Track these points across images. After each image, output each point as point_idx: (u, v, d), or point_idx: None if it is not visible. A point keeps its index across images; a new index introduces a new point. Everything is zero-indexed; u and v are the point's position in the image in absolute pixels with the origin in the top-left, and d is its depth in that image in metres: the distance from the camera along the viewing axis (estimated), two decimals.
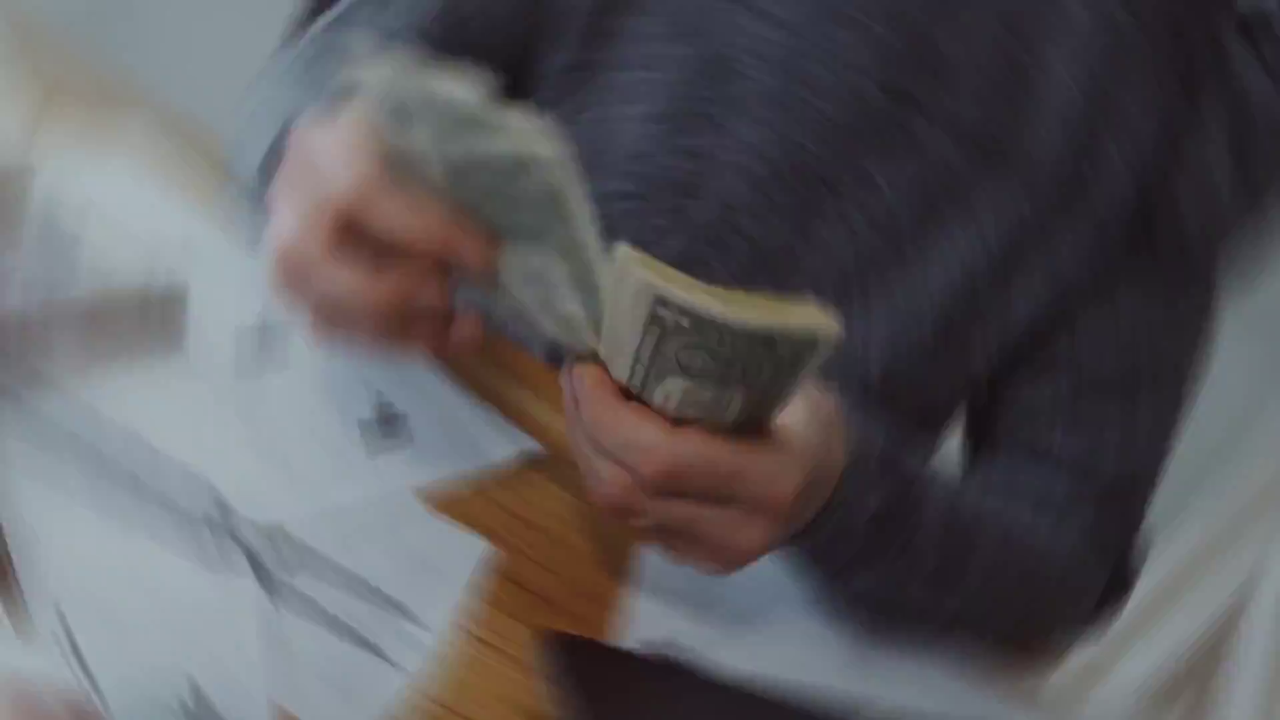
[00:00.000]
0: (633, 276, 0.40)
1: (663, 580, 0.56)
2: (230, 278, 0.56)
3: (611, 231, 0.76)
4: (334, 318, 0.46)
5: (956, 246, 0.72)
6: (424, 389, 0.57)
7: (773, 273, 0.74)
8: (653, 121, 0.73)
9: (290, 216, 0.45)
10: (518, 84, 0.78)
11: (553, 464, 0.57)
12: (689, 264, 0.73)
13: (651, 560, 0.56)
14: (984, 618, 0.65)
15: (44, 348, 0.48)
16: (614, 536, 0.56)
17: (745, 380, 0.43)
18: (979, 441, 0.78)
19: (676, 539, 0.49)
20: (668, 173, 0.73)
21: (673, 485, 0.45)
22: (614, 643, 0.51)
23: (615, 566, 0.55)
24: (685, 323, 0.40)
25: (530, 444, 0.57)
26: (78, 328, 0.49)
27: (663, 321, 0.41)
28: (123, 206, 0.57)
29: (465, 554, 0.51)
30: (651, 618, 0.53)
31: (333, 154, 0.45)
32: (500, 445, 0.57)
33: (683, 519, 0.47)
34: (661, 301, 0.40)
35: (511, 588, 0.51)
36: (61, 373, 0.48)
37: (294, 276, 0.45)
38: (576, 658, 0.46)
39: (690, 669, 0.51)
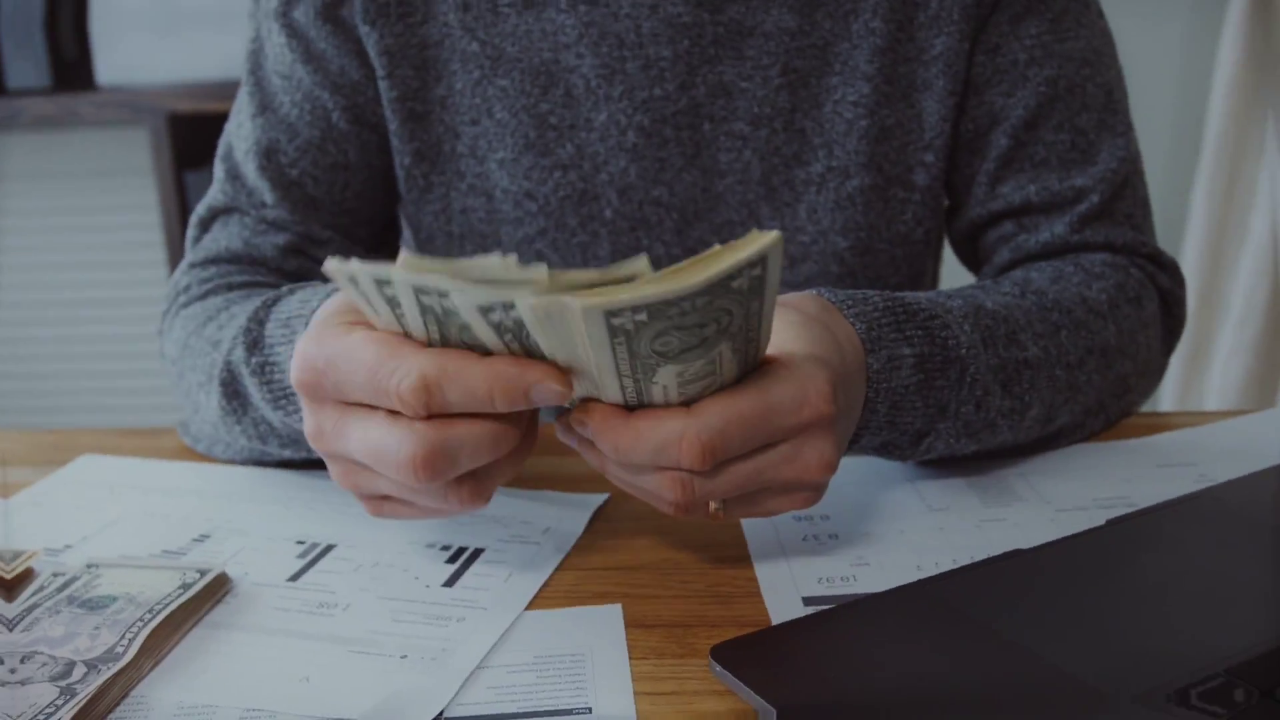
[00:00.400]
0: (570, 311, 0.40)
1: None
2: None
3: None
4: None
5: (842, 95, 0.74)
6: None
7: (699, 218, 0.75)
8: (518, 158, 0.75)
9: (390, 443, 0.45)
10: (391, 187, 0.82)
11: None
12: (623, 256, 0.76)
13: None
14: (1087, 399, 0.65)
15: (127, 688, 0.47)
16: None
17: (723, 332, 0.43)
18: (978, 256, 0.80)
19: (756, 499, 0.50)
20: (558, 193, 0.75)
21: (720, 456, 0.45)
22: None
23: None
24: (643, 317, 0.40)
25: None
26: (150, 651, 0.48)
27: (623, 329, 0.41)
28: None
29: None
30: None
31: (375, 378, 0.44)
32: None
33: (748, 478, 0.47)
34: (611, 313, 0.40)
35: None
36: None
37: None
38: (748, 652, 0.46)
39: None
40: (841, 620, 0.48)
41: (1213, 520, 0.55)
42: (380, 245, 0.83)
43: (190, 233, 0.81)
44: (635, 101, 0.73)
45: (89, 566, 0.55)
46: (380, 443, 0.45)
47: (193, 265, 0.77)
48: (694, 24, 0.72)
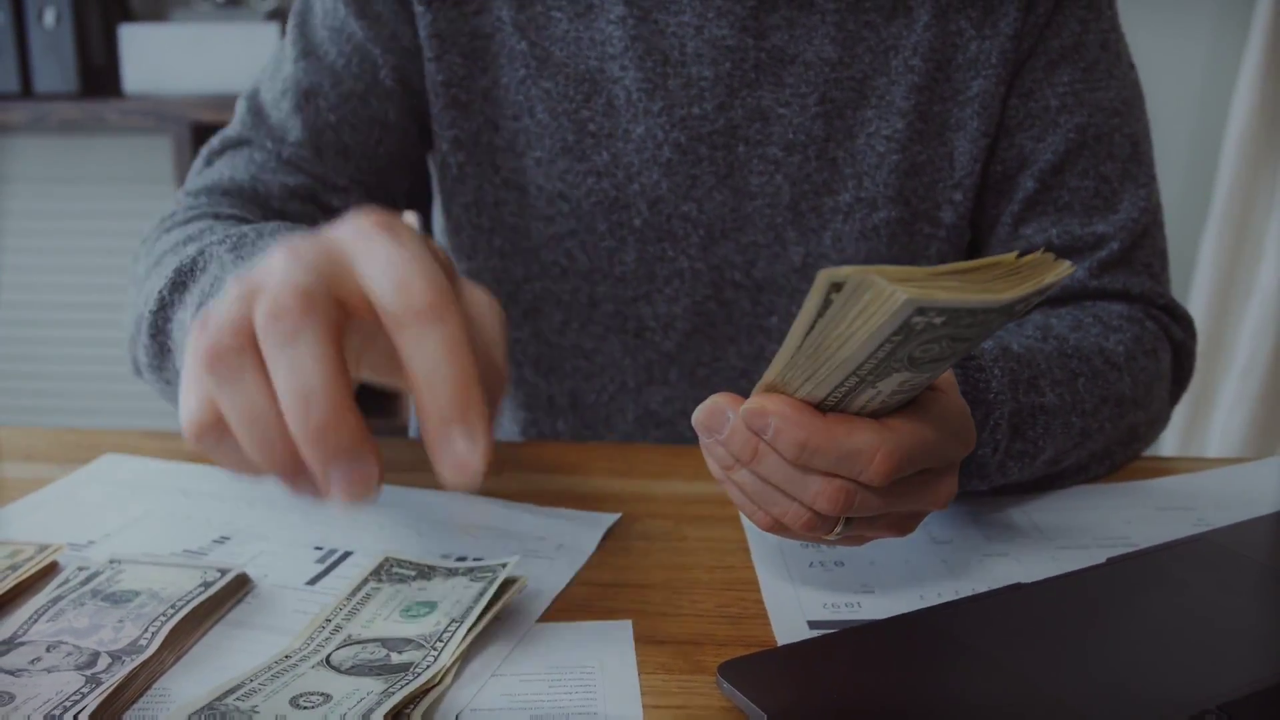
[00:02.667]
0: (879, 292, 0.37)
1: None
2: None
3: (569, 267, 0.81)
4: None
5: (876, 128, 0.76)
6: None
7: (726, 236, 0.77)
8: (555, 159, 0.76)
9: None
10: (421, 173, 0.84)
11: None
12: (648, 266, 0.78)
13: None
14: (1095, 445, 0.67)
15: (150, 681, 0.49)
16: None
17: (962, 350, 0.42)
18: None
19: (876, 523, 0.50)
20: (590, 198, 0.77)
21: (899, 475, 0.45)
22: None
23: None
24: (939, 320, 0.38)
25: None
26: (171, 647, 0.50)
27: (913, 326, 0.38)
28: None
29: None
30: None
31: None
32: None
33: (895, 500, 0.47)
34: (921, 310, 0.38)
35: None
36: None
37: None
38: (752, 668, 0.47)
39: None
40: (846, 644, 0.49)
41: (1210, 563, 0.57)
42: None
43: (195, 164, 0.81)
44: (674, 118, 0.75)
45: (112, 562, 0.56)
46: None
47: (187, 194, 0.77)
48: (737, 47, 0.74)
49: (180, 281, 0.57)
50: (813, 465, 0.45)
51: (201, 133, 1.83)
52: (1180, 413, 1.92)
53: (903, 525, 0.50)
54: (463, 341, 0.37)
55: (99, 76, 1.91)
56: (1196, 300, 1.86)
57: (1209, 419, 1.92)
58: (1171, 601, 0.53)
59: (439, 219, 0.86)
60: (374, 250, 0.39)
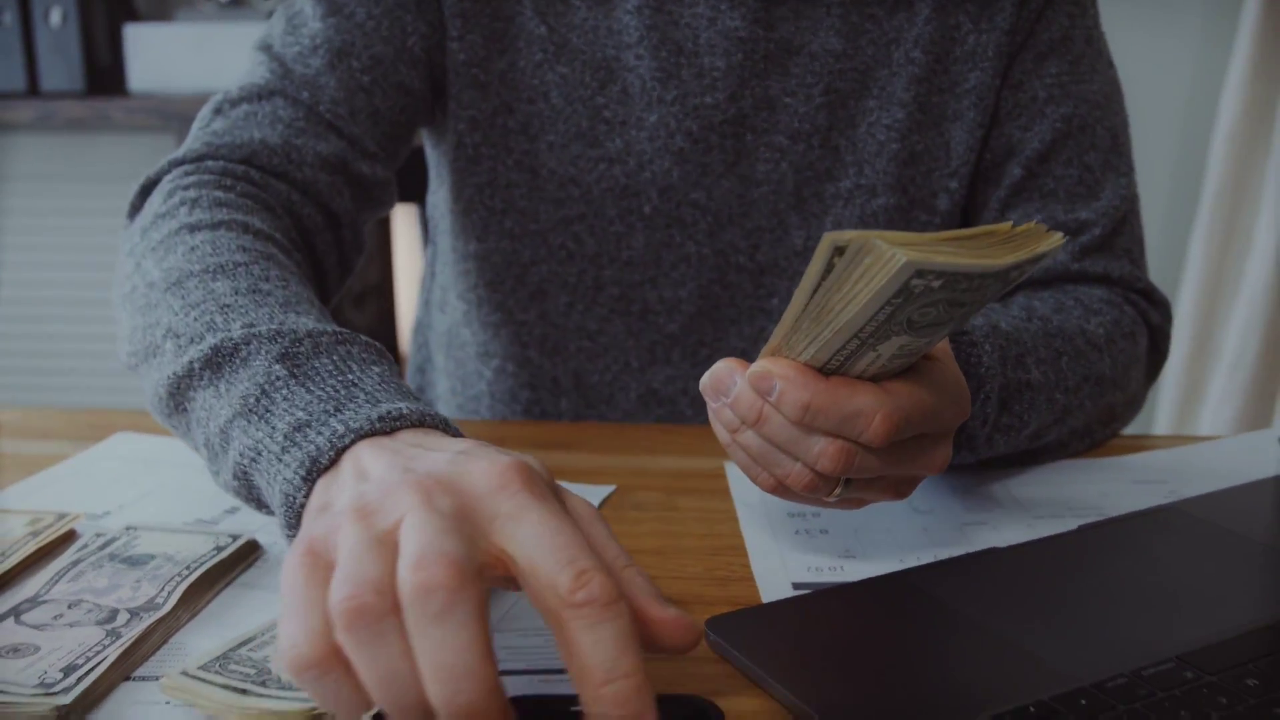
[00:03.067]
0: (879, 255, 0.39)
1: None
2: None
3: (577, 250, 0.83)
4: None
5: (877, 117, 0.79)
6: None
7: (732, 222, 0.80)
8: (568, 144, 0.78)
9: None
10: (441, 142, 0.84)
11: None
12: (655, 251, 0.80)
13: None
14: (1076, 422, 0.69)
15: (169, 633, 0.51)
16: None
17: (963, 317, 0.44)
18: None
19: (874, 485, 0.52)
20: (601, 184, 0.79)
21: (896, 438, 0.48)
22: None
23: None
24: (937, 283, 0.40)
25: None
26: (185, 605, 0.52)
27: (913, 289, 0.40)
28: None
29: None
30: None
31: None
32: None
33: (892, 463, 0.50)
34: (920, 273, 0.39)
35: None
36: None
37: None
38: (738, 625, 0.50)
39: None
40: (828, 601, 0.52)
41: (1178, 529, 0.59)
42: (382, 199, 0.81)
43: (203, 116, 0.75)
44: (686, 107, 0.77)
45: (128, 529, 0.59)
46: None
47: (199, 160, 0.71)
48: (749, 39, 0.76)
49: (216, 361, 0.52)
50: (815, 426, 0.48)
51: None
52: (1171, 406, 1.95)
53: (899, 489, 0.53)
54: (634, 636, 0.37)
55: (104, 75, 1.94)
56: (1186, 296, 1.89)
57: (1199, 412, 1.95)
58: (1139, 564, 0.56)
59: (443, 200, 0.87)
60: (523, 516, 0.38)
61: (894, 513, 0.63)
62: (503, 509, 0.39)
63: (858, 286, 0.41)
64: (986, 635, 0.48)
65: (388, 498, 0.39)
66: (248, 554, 0.58)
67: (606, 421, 0.86)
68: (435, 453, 0.43)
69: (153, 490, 0.66)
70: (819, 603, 0.52)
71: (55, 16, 1.87)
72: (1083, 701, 0.43)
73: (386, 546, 0.37)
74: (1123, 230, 0.79)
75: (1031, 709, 0.43)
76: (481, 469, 0.40)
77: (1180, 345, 1.87)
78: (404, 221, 2.21)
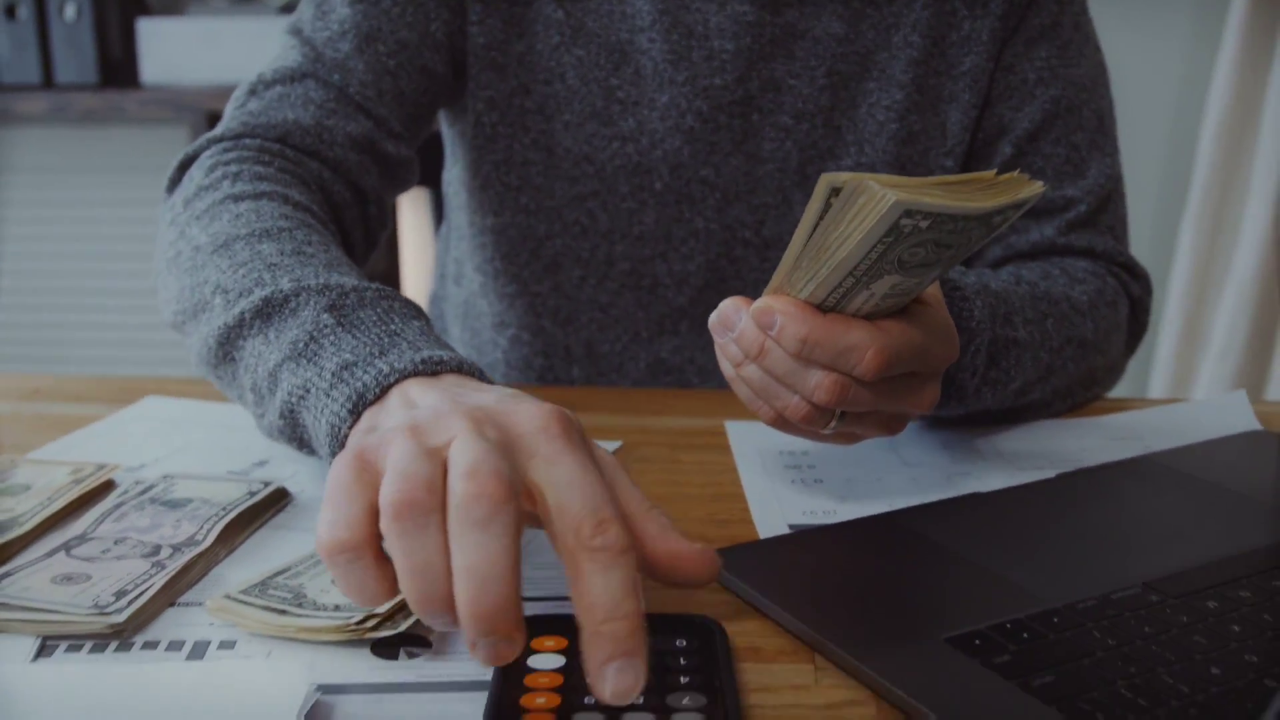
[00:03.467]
0: (872, 195, 0.42)
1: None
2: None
3: (590, 226, 0.87)
4: None
5: (877, 99, 0.83)
6: None
7: (739, 198, 0.84)
8: (583, 123, 0.82)
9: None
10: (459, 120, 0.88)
11: None
12: (666, 227, 0.84)
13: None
14: (1059, 382, 0.73)
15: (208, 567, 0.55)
16: None
17: (950, 259, 0.47)
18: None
19: (866, 420, 0.56)
20: (615, 161, 0.83)
21: (887, 373, 0.51)
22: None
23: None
24: (925, 223, 0.43)
25: None
26: (222, 542, 0.56)
27: (903, 229, 0.43)
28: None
29: None
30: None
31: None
32: None
33: (883, 398, 0.53)
34: (909, 212, 0.42)
35: None
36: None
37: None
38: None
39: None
40: (821, 537, 0.56)
41: (1151, 478, 0.63)
42: (406, 177, 0.85)
43: (237, 96, 0.79)
44: (697, 88, 0.81)
45: (165, 477, 0.62)
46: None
47: (237, 138, 0.75)
48: (756, 23, 0.80)
49: (267, 312, 0.56)
50: (813, 359, 0.51)
51: (217, 122, 1.89)
52: (1162, 392, 1.99)
53: (890, 425, 0.57)
54: (638, 583, 0.39)
55: (117, 68, 1.97)
56: (1176, 285, 1.92)
57: (1189, 399, 1.99)
58: (1112, 507, 0.60)
59: (458, 178, 0.91)
60: (561, 460, 0.42)
61: (884, 464, 0.67)
62: (542, 450, 0.42)
63: (852, 225, 0.45)
64: (968, 566, 0.52)
65: (439, 420, 0.43)
66: (278, 499, 0.62)
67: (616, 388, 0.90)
68: (480, 394, 0.47)
69: (183, 447, 0.70)
70: (813, 538, 0.56)
71: (70, 11, 1.91)
72: (1055, 619, 0.47)
73: (436, 458, 0.41)
74: (1107, 208, 0.83)
75: (1008, 625, 0.47)
76: (527, 410, 0.44)
77: (1170, 333, 1.91)
78: (410, 208, 2.25)
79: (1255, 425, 0.73)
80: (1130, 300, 0.82)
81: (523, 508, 0.40)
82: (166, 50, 1.92)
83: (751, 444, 0.69)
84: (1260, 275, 1.80)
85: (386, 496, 0.39)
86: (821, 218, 0.46)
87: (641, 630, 0.39)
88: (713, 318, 0.55)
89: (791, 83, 0.82)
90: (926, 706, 0.41)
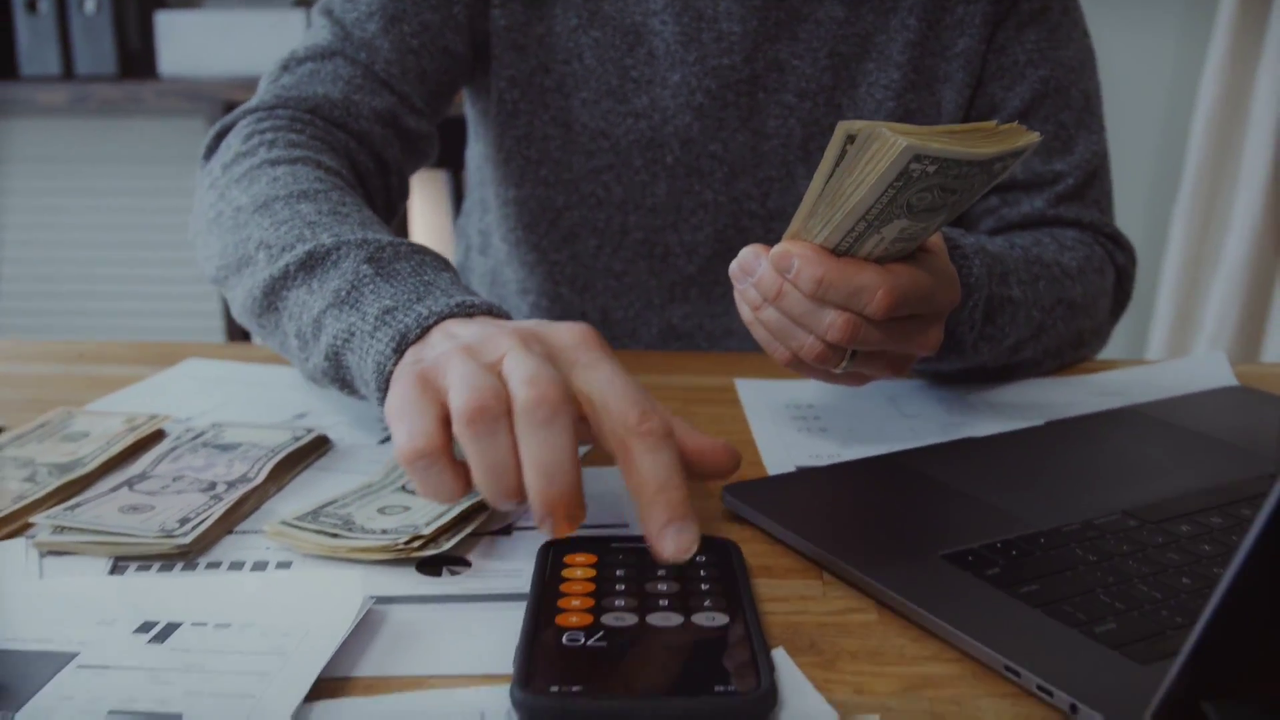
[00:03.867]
0: (884, 141, 0.46)
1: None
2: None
3: (605, 198, 0.92)
4: None
5: (875, 79, 0.87)
6: None
7: (745, 172, 0.88)
8: (599, 100, 0.87)
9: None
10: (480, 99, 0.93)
11: None
12: (677, 199, 0.89)
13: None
14: (1049, 342, 0.77)
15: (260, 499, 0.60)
16: None
17: (955, 205, 0.51)
18: (964, 225, 0.93)
19: (874, 360, 0.60)
20: (629, 136, 0.87)
21: (895, 313, 0.55)
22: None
23: None
24: (932, 169, 0.46)
25: None
26: (273, 479, 0.61)
27: (911, 173, 0.46)
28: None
29: None
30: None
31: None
32: None
33: (890, 338, 0.57)
34: (917, 158, 0.46)
35: None
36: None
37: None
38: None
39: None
40: (826, 474, 0.60)
41: (1133, 425, 0.68)
42: (426, 150, 0.89)
43: (270, 72, 0.83)
44: (706, 68, 0.86)
45: (215, 425, 0.67)
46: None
47: (271, 109, 0.79)
48: (762, 6, 0.85)
49: (310, 264, 0.61)
50: (827, 299, 0.55)
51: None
52: None
53: (897, 366, 0.61)
54: (679, 461, 0.46)
55: (136, 60, 2.02)
56: (1168, 272, 1.97)
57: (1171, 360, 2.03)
58: (1097, 449, 0.64)
59: (480, 154, 0.96)
60: (600, 366, 0.48)
61: (885, 416, 0.71)
62: (581, 359, 0.49)
63: (865, 170, 0.49)
64: (963, 497, 0.57)
65: (488, 340, 0.49)
66: (320, 445, 0.66)
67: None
68: (517, 324, 0.52)
69: (225, 403, 0.75)
70: (819, 475, 0.60)
71: (89, 4, 1.96)
72: (1041, 540, 0.52)
73: (493, 371, 0.47)
74: (1093, 182, 0.88)
75: (999, 544, 0.51)
76: (564, 328, 0.50)
77: (1163, 319, 1.96)
78: (420, 194, 2.29)
79: (1233, 382, 0.78)
80: (1116, 268, 0.87)
81: (574, 409, 0.46)
82: (184, 42, 1.97)
83: (760, 398, 0.74)
84: (1251, 262, 1.84)
85: (459, 406, 0.45)
86: (838, 164, 0.50)
87: (689, 501, 0.45)
88: (733, 265, 0.59)
89: (795, 63, 0.86)
90: (924, 609, 0.45)
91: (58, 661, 0.42)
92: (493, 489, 0.45)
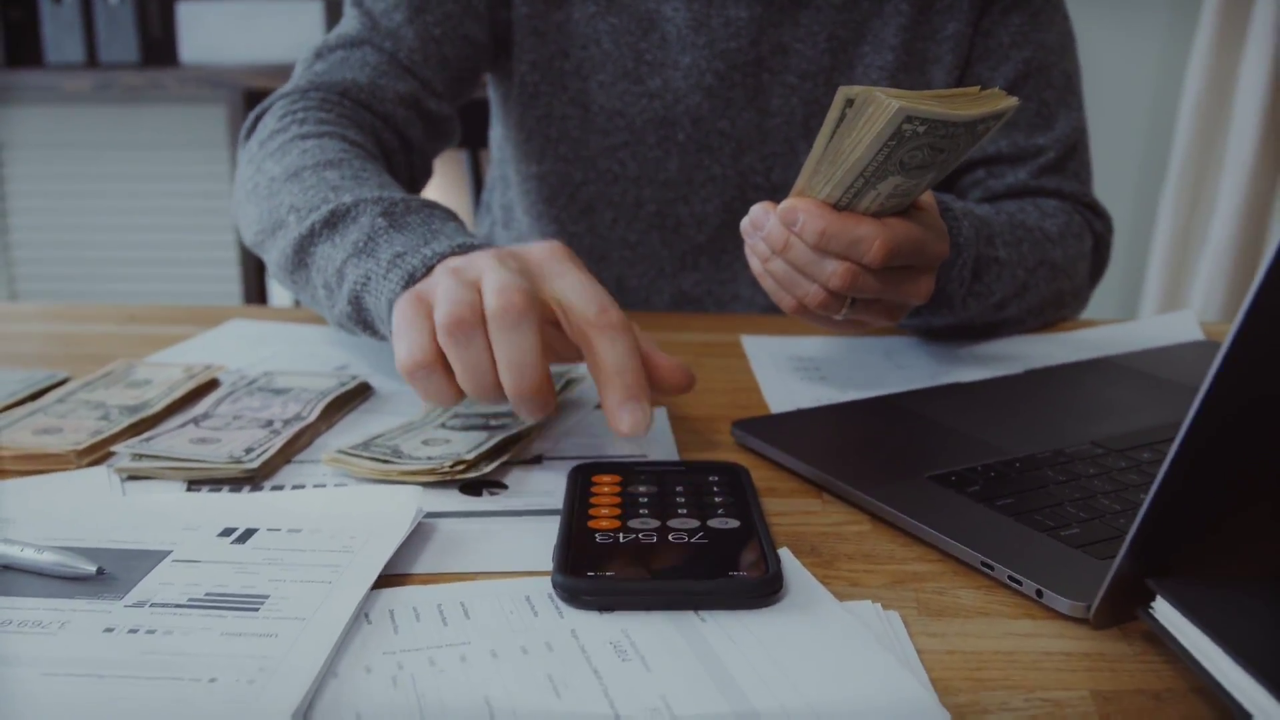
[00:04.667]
0: (879, 104, 0.51)
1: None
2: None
3: (621, 173, 0.98)
4: None
5: (871, 60, 0.94)
6: None
7: (751, 148, 0.95)
8: (615, 82, 0.93)
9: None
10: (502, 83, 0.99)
11: None
12: (688, 173, 0.95)
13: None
14: (1031, 301, 0.83)
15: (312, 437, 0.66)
16: None
17: (944, 164, 0.56)
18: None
19: (872, 308, 0.66)
20: (643, 116, 0.94)
21: (891, 262, 0.61)
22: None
23: None
24: (922, 129, 0.53)
25: None
26: (322, 419, 0.67)
27: (903, 133, 0.52)
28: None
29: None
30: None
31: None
32: None
33: (886, 287, 0.63)
34: (909, 119, 0.51)
35: None
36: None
37: None
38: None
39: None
40: (825, 412, 0.67)
41: (1106, 373, 0.74)
42: (447, 131, 0.96)
43: (304, 59, 0.90)
44: (715, 51, 0.92)
45: (266, 373, 0.73)
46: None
47: (304, 92, 0.86)
48: None
49: (333, 222, 0.69)
50: (829, 250, 0.61)
51: (253, 99, 1.99)
52: None
53: (892, 312, 0.67)
54: (638, 349, 0.55)
55: (158, 48, 2.08)
56: (1157, 253, 2.03)
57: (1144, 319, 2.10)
58: (1072, 392, 0.70)
59: (502, 134, 1.03)
60: (567, 274, 0.57)
61: (880, 368, 0.77)
62: (553, 270, 0.58)
63: (863, 130, 0.55)
64: (947, 430, 0.63)
65: (471, 263, 0.57)
66: (364, 390, 0.72)
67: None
68: (499, 248, 0.60)
69: (270, 357, 0.81)
70: (819, 412, 0.67)
71: None
72: (1017, 464, 0.58)
73: (473, 286, 0.55)
74: (1073, 156, 0.94)
75: (979, 467, 0.57)
76: (538, 245, 0.59)
77: (1151, 298, 2.02)
78: (437, 180, 2.35)
79: (1201, 337, 0.84)
80: (1094, 235, 0.93)
81: (541, 313, 0.54)
82: (205, 31, 2.03)
83: (765, 352, 0.80)
84: (1235, 243, 1.91)
85: (440, 319, 0.54)
86: (838, 126, 0.56)
87: (645, 382, 0.54)
88: (744, 221, 0.65)
89: (797, 46, 0.92)
90: (911, 518, 0.52)
91: (154, 558, 0.49)
92: (473, 386, 0.54)
